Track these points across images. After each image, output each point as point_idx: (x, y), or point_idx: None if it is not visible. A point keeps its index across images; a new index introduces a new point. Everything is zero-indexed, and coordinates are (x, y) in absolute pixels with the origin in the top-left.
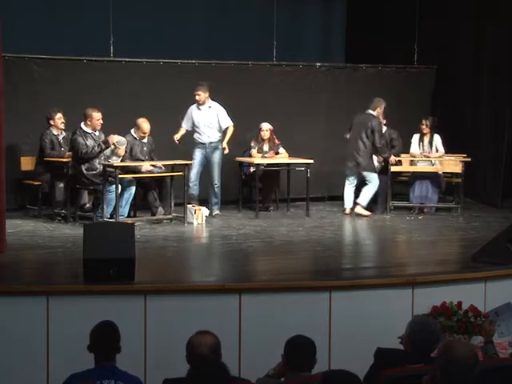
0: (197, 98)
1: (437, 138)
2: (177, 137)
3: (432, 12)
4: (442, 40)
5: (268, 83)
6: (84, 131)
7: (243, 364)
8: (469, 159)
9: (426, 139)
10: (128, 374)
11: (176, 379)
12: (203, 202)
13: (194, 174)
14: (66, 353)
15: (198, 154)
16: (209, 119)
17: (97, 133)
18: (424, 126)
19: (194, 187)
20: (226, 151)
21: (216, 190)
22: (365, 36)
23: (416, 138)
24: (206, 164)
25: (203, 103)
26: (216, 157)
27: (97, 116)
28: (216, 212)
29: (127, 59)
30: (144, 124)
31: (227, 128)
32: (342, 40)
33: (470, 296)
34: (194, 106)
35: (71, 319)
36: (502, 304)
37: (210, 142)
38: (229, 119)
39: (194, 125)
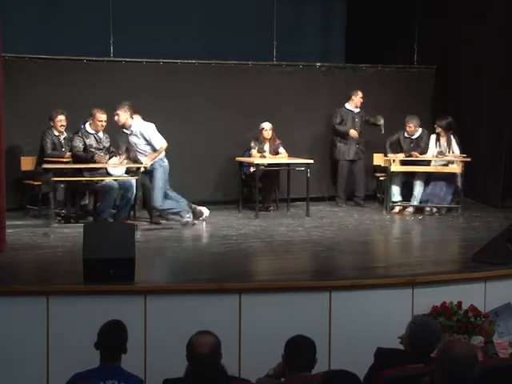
0: (115, 118)
1: (452, 139)
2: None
3: (432, 12)
4: (442, 40)
5: (268, 83)
6: (86, 131)
7: (243, 364)
8: (469, 159)
9: (443, 139)
10: (131, 374)
11: (176, 379)
12: (202, 203)
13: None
14: (66, 353)
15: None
16: (134, 142)
17: (100, 134)
18: (436, 126)
19: None
20: (147, 166)
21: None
22: (365, 36)
23: (433, 138)
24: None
25: (124, 126)
26: (154, 178)
27: (100, 117)
28: (186, 220)
29: (127, 59)
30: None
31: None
32: (342, 40)
33: (470, 296)
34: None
35: (71, 319)
36: (501, 304)
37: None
38: (159, 140)
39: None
